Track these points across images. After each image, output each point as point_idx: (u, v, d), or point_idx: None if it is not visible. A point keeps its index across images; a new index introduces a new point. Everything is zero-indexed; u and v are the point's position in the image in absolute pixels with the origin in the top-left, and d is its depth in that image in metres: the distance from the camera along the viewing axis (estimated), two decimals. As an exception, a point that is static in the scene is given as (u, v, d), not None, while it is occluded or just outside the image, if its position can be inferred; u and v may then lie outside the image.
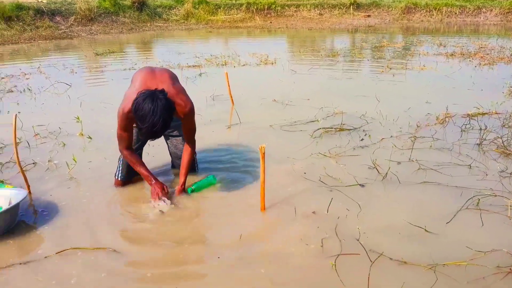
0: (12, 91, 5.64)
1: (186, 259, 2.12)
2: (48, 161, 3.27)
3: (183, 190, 2.71)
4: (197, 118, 2.73)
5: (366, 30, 14.74)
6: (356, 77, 6.49)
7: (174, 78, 2.61)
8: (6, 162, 3.24)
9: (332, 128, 3.95)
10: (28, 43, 11.85)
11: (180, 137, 2.88)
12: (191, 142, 2.72)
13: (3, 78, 6.54)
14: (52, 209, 2.57)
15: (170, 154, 3.03)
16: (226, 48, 10.04)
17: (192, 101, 2.60)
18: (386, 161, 3.18)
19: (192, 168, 2.96)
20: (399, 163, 3.18)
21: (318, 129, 3.93)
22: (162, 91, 2.25)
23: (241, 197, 2.71)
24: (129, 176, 2.84)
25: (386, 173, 2.95)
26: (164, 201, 2.54)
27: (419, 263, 2.01)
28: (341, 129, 3.92)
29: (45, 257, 2.09)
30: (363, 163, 3.18)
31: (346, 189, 2.78)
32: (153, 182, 2.60)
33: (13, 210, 2.35)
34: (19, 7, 14.07)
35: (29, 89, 5.68)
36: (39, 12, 14.42)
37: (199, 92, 5.18)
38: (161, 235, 2.31)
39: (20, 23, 13.58)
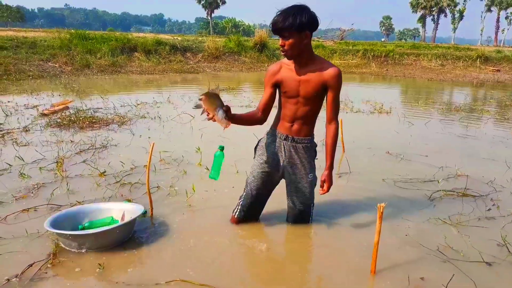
0: (144, 117, 6.35)
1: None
2: (170, 186, 3.55)
3: (329, 174, 2.56)
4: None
5: (494, 86, 13.55)
6: (482, 137, 5.92)
7: None
8: (135, 183, 3.60)
9: (453, 191, 3.63)
10: (161, 74, 13.36)
11: (299, 192, 2.72)
12: (334, 120, 2.53)
13: (138, 104, 7.44)
14: (165, 233, 2.76)
15: (288, 207, 2.87)
16: (339, 93, 10.04)
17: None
18: (519, 239, 2.79)
19: (306, 220, 2.85)
20: (535, 244, 2.76)
21: (438, 191, 3.63)
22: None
23: (350, 255, 2.58)
24: (246, 216, 2.85)
25: (520, 255, 2.58)
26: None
27: None
28: (465, 195, 3.57)
29: (156, 284, 2.20)
30: (490, 238, 2.83)
31: (468, 265, 2.48)
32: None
33: (127, 226, 2.60)
34: (158, 42, 16.06)
35: (159, 117, 6.34)
36: (173, 48, 16.27)
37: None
38: (264, 283, 2.31)
39: (157, 56, 15.43)
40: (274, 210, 3.06)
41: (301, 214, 2.81)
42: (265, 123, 2.71)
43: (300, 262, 2.55)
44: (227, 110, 2.22)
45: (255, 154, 2.79)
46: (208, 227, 2.86)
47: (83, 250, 2.45)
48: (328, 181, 2.56)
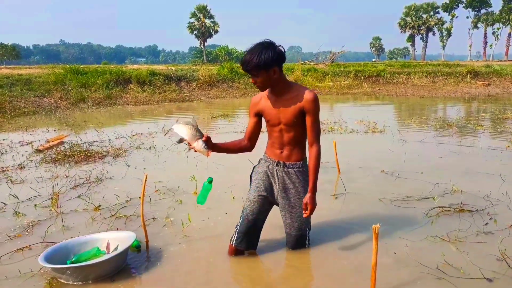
0: (140, 148, 6.37)
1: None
2: (166, 217, 3.53)
3: (311, 197, 2.54)
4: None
5: (486, 100, 13.72)
6: (476, 152, 5.95)
7: None
8: (130, 215, 3.58)
9: (450, 208, 3.62)
10: (156, 104, 13.47)
11: (294, 217, 2.70)
12: (315, 143, 2.55)
13: (134, 135, 7.47)
14: (160, 265, 2.72)
15: (285, 234, 2.84)
16: (332, 114, 10.15)
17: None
18: (518, 253, 2.77)
19: (303, 244, 2.82)
20: (535, 257, 2.74)
21: (434, 207, 3.62)
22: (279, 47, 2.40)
23: (347, 279, 2.56)
24: (244, 244, 2.77)
25: (520, 269, 2.56)
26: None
27: None
28: (461, 210, 3.57)
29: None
30: (489, 253, 2.81)
31: (469, 282, 2.46)
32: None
33: (125, 253, 2.60)
34: (153, 73, 16.28)
35: (154, 147, 6.36)
36: (167, 78, 16.48)
37: (306, 159, 5.22)
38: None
39: (152, 87, 15.60)
40: (271, 236, 3.05)
41: (298, 240, 2.79)
42: (260, 149, 2.74)
43: (296, 285, 2.51)
44: (206, 140, 2.35)
45: (250, 181, 2.82)
46: (204, 258, 2.82)
47: (89, 281, 2.47)
48: (311, 203, 2.56)
